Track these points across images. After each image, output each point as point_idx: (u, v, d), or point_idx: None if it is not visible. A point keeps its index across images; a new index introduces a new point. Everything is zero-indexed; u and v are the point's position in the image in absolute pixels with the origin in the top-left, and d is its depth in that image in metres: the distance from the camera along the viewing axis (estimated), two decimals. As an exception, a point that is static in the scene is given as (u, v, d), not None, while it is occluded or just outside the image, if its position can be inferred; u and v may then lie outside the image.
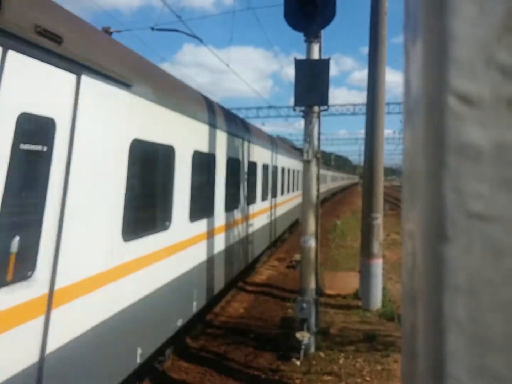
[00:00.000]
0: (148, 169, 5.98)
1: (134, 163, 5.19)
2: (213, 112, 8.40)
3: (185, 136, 6.87)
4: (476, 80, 0.50)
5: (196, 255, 7.67)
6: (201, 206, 7.83)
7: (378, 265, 10.48)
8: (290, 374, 7.32)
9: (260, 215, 13.16)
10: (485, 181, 0.50)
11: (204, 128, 7.80)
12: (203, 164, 7.91)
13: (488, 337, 0.50)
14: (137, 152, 5.25)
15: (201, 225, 7.84)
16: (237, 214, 10.21)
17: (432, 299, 0.52)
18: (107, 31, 6.98)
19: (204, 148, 7.83)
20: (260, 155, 12.67)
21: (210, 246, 8.38)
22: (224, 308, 10.62)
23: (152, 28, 9.52)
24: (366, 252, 10.61)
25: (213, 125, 8.21)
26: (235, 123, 10.02)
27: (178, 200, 6.61)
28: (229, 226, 9.51)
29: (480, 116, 0.50)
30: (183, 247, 6.98)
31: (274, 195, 15.81)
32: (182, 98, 7.08)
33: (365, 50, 10.24)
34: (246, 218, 11.03)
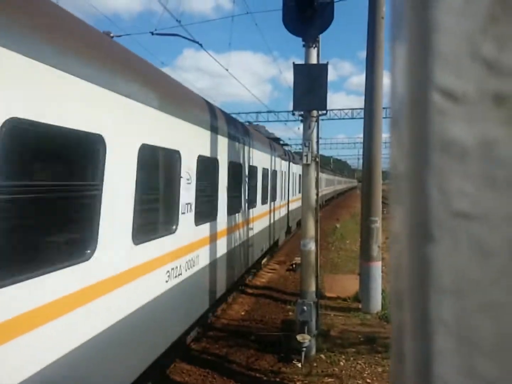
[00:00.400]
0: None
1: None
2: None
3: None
4: (461, 74, 0.48)
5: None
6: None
7: (377, 268, 10.54)
8: (291, 376, 7.36)
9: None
10: (470, 179, 0.49)
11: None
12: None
13: (475, 339, 0.49)
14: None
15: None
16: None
17: (418, 300, 0.51)
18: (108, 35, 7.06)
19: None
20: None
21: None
22: (225, 311, 10.67)
23: (152, 33, 9.60)
24: (365, 255, 10.67)
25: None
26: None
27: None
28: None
29: (465, 112, 0.49)
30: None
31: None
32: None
33: (363, 55, 10.30)
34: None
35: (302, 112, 8.41)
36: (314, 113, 8.35)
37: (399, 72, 0.56)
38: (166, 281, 6.05)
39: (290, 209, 20.27)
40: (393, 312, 0.61)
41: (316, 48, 8.25)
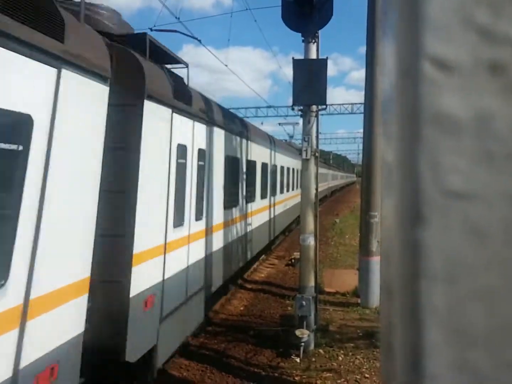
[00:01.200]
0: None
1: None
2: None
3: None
4: (453, 42, 0.46)
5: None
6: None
7: (376, 262, 10.56)
8: (290, 371, 7.39)
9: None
10: (464, 155, 0.46)
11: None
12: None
13: (469, 329, 0.46)
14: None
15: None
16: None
17: (408, 288, 0.48)
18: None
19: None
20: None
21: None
22: (224, 306, 10.69)
23: (151, 29, 9.59)
24: (364, 250, 10.70)
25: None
26: None
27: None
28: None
29: (458, 83, 0.46)
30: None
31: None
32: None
33: (363, 50, 10.29)
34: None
35: (301, 107, 8.41)
36: (314, 108, 8.35)
37: (389, 42, 0.53)
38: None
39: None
40: (383, 302, 0.58)
41: (315, 44, 8.25)
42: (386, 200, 0.55)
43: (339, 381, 7.00)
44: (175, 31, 8.72)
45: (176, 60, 7.19)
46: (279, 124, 32.09)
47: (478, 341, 0.46)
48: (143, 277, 5.61)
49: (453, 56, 0.46)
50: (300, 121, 8.62)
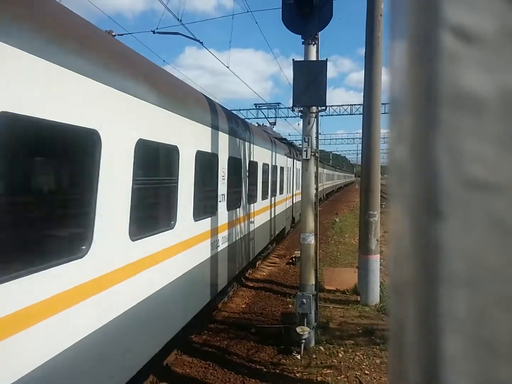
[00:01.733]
0: None
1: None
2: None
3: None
4: (477, 9, 0.39)
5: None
6: None
7: (376, 261, 10.69)
8: (291, 367, 7.49)
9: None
10: (488, 140, 0.40)
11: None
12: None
13: (494, 341, 0.40)
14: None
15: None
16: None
17: (423, 291, 0.43)
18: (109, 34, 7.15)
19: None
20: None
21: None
22: (226, 304, 10.81)
23: (153, 32, 9.69)
24: (364, 248, 10.81)
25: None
26: None
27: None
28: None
29: (482, 56, 0.39)
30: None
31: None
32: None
33: (363, 51, 10.38)
34: None
35: (301, 108, 8.51)
36: (314, 109, 8.45)
37: (401, 10, 0.46)
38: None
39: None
40: (392, 306, 0.52)
41: (315, 45, 8.33)
42: (397, 195, 0.50)
43: (339, 378, 7.08)
44: (177, 33, 8.84)
45: None
46: (298, 124, 32.26)
47: (504, 351, 0.40)
48: None
49: (476, 25, 0.40)
50: (301, 122, 8.73)
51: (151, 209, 6.15)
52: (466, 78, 0.40)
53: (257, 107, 31.02)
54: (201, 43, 10.19)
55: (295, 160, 21.43)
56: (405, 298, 0.47)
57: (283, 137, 23.19)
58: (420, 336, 0.44)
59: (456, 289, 0.41)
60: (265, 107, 32.19)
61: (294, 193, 21.69)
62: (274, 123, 24.91)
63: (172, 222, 6.32)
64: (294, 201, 21.53)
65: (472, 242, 0.40)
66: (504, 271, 0.40)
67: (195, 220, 7.22)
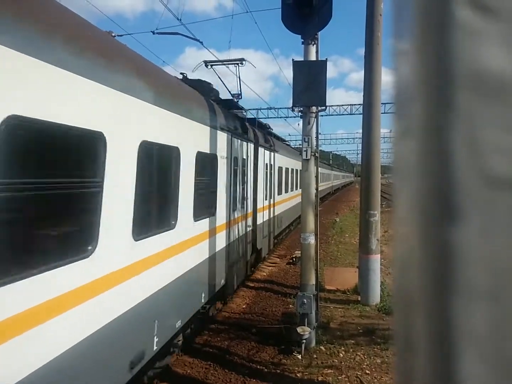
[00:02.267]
0: None
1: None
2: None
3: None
4: None
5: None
6: None
7: (376, 260, 10.70)
8: (292, 367, 7.49)
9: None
10: (510, 128, 0.34)
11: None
12: None
13: None
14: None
15: None
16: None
17: (436, 304, 0.37)
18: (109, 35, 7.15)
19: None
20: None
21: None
22: (227, 304, 10.80)
23: (153, 32, 9.70)
24: (364, 248, 10.82)
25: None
26: None
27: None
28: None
29: (502, 31, 0.33)
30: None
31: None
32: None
33: (362, 51, 10.39)
34: None
35: (301, 108, 8.52)
36: (313, 109, 8.46)
37: None
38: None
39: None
40: (398, 317, 0.46)
41: (315, 45, 8.33)
42: (403, 197, 0.44)
43: (340, 378, 7.08)
44: (177, 33, 8.86)
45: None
46: (298, 124, 29.63)
47: None
48: None
49: None
50: (301, 122, 8.74)
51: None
52: (486, 56, 0.33)
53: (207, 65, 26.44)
54: (201, 42, 10.22)
55: (273, 153, 15.91)
56: (413, 310, 0.41)
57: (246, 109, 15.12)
58: (431, 355, 0.37)
59: (474, 302, 0.35)
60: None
61: (274, 201, 16.43)
62: (239, 95, 12.80)
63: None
64: (273, 214, 16.17)
65: (493, 248, 0.34)
66: None
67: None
